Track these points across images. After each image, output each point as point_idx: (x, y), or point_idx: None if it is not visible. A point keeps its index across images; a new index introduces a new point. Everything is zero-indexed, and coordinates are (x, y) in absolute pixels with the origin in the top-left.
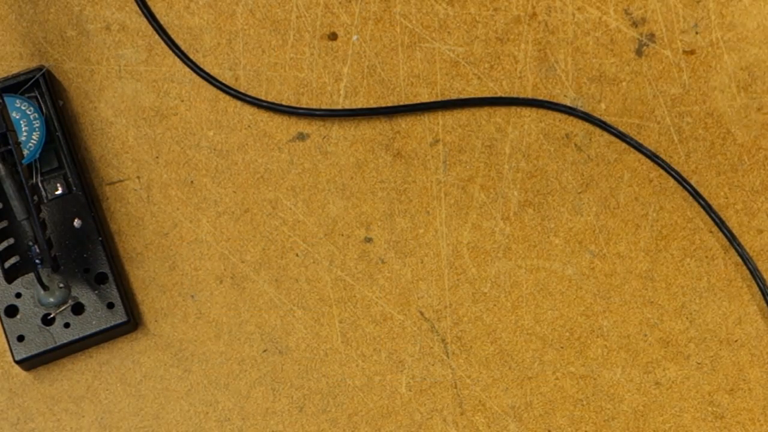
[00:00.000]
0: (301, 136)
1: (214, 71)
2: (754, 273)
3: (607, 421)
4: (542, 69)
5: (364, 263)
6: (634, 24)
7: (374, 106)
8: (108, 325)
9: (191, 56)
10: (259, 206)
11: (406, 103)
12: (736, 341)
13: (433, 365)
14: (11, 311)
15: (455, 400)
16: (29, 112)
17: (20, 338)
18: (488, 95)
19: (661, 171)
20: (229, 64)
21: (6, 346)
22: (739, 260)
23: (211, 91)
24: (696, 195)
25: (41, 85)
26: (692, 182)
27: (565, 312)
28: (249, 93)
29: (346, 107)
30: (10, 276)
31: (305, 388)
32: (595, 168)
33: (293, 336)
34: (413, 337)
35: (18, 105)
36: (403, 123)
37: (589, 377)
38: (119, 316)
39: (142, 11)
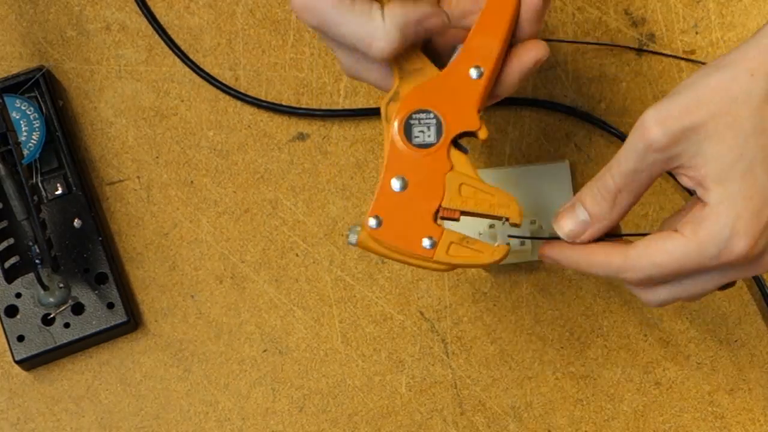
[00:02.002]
0: (301, 136)
1: (214, 71)
2: None
3: (607, 421)
4: (542, 69)
5: (364, 263)
6: (634, 24)
7: (374, 106)
8: (108, 325)
9: (191, 56)
10: (259, 206)
11: None
12: (736, 341)
13: (433, 365)
14: (11, 311)
15: (455, 400)
16: (29, 112)
17: (20, 338)
18: None
19: None
20: (229, 64)
21: (6, 346)
22: None
23: (211, 91)
24: None
25: (41, 85)
26: None
27: (565, 312)
28: (249, 93)
29: (346, 107)
30: (10, 276)
31: (305, 388)
32: (595, 168)
33: (293, 336)
34: (413, 337)
35: (18, 105)
36: None
37: (589, 377)
38: (119, 316)
39: (142, 11)
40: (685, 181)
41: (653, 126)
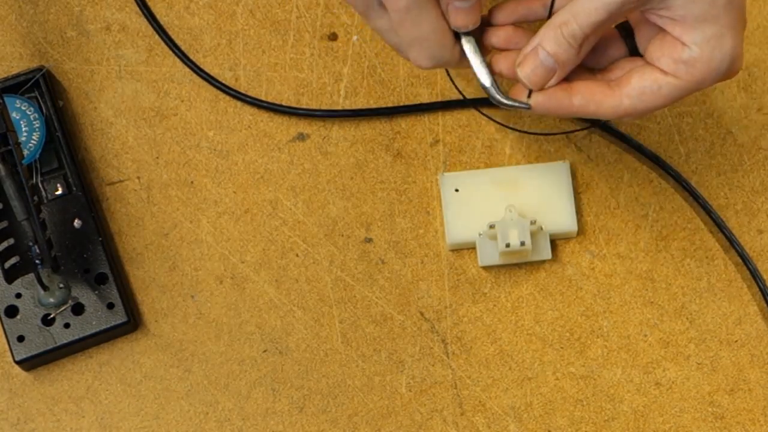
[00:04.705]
0: (301, 136)
1: (214, 71)
2: (754, 273)
3: (607, 422)
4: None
5: (364, 263)
6: None
7: (374, 106)
8: (108, 326)
9: (191, 56)
10: (259, 206)
11: (406, 103)
12: (736, 341)
13: (433, 365)
14: (11, 311)
15: (455, 401)
16: (29, 113)
17: (20, 338)
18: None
19: (661, 171)
20: (229, 64)
21: (6, 346)
22: (739, 260)
23: (211, 91)
24: (696, 195)
25: (41, 86)
26: (692, 182)
27: (565, 312)
28: (249, 93)
29: (346, 107)
30: (11, 276)
31: (305, 388)
32: (595, 168)
33: (293, 336)
34: (413, 338)
35: (18, 105)
36: (403, 123)
37: (589, 377)
38: (119, 317)
39: (142, 11)
40: (655, 19)
41: None
